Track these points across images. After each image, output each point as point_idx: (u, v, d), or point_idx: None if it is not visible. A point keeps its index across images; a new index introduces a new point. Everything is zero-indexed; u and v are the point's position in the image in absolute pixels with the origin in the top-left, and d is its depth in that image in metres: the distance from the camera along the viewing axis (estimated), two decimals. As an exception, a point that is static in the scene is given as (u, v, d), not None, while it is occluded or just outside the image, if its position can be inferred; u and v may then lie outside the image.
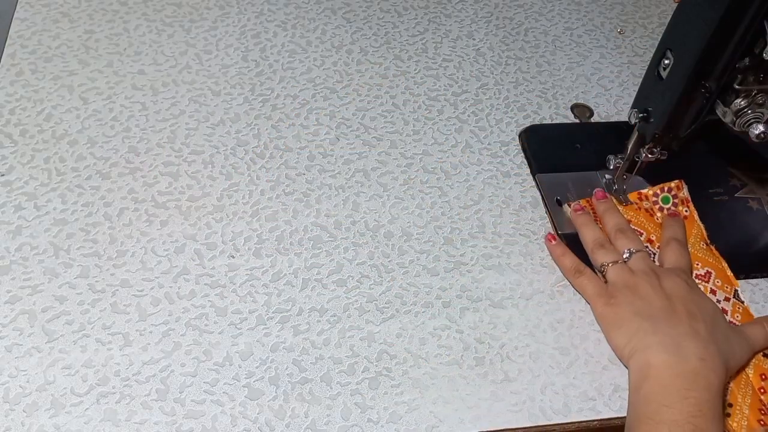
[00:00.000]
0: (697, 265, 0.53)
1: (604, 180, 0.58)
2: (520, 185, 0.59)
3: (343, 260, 0.53)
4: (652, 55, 0.48)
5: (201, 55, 0.66)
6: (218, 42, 0.68)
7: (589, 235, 0.53)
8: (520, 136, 0.62)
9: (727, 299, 0.52)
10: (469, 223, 0.56)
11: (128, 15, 0.69)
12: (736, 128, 0.46)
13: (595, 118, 0.64)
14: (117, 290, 0.50)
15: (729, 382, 0.47)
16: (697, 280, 0.52)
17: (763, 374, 0.49)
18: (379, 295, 0.51)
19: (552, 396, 0.47)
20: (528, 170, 0.60)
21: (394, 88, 0.65)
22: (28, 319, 0.48)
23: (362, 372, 0.47)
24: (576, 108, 0.65)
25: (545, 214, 0.57)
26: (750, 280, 0.54)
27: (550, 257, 0.54)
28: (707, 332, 0.45)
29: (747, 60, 0.44)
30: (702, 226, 0.55)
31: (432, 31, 0.71)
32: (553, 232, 0.55)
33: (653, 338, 0.45)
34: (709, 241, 0.55)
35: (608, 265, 0.51)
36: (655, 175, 0.57)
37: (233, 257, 0.52)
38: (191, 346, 0.48)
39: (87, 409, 0.44)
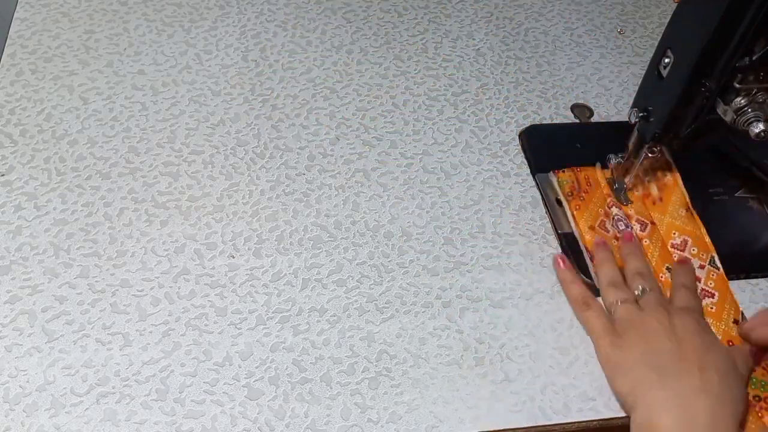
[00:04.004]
0: (674, 234, 0.53)
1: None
2: (520, 185, 0.59)
3: (343, 260, 0.53)
4: (652, 55, 0.48)
5: (201, 55, 0.66)
6: (218, 42, 0.68)
7: (605, 274, 0.51)
8: (520, 136, 0.62)
9: (701, 266, 0.52)
10: (469, 223, 0.56)
11: (128, 15, 0.69)
12: (736, 127, 0.46)
13: (595, 118, 0.64)
14: (117, 290, 0.50)
15: None
16: (672, 249, 0.51)
17: (730, 341, 0.49)
18: (379, 295, 0.51)
19: (552, 396, 0.47)
20: (528, 170, 0.60)
21: (394, 88, 0.65)
22: (28, 319, 0.48)
23: (362, 372, 0.47)
24: (576, 108, 0.65)
25: (545, 214, 0.57)
26: (750, 280, 0.54)
27: (550, 257, 0.54)
28: (720, 385, 0.42)
29: (747, 59, 0.44)
30: (685, 191, 0.55)
31: (432, 31, 0.71)
32: (563, 255, 0.53)
33: (660, 394, 0.42)
34: (690, 206, 0.54)
35: (618, 302, 0.48)
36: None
37: (233, 257, 0.52)
38: (191, 346, 0.48)
39: (87, 409, 0.44)
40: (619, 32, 0.72)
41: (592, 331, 0.49)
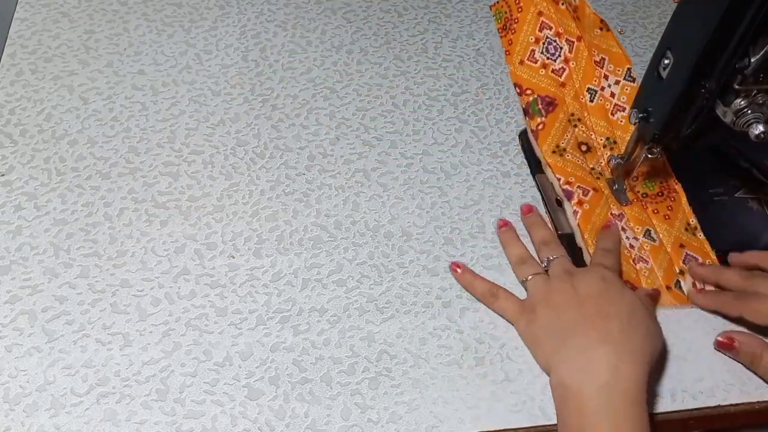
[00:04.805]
0: (594, 52, 0.56)
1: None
2: (520, 185, 0.59)
3: (343, 260, 0.53)
4: (652, 55, 0.48)
5: (201, 55, 0.66)
6: (218, 42, 0.68)
7: (512, 252, 0.53)
8: (520, 136, 0.62)
9: (617, 82, 0.56)
10: (469, 223, 0.56)
11: (128, 15, 0.69)
12: (735, 128, 0.46)
13: (595, 118, 0.64)
14: (117, 290, 0.50)
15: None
16: (595, 66, 0.56)
17: (682, 244, 0.52)
18: (379, 295, 0.51)
19: (552, 396, 0.47)
20: (528, 170, 0.60)
21: (394, 88, 0.65)
22: (28, 319, 0.48)
23: (362, 372, 0.47)
24: (576, 108, 0.65)
25: (545, 214, 0.57)
26: (750, 280, 0.54)
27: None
28: (621, 332, 0.43)
29: (747, 60, 0.44)
30: (596, 14, 0.58)
31: (432, 31, 0.71)
32: (457, 261, 0.53)
33: (563, 355, 0.44)
34: (602, 23, 0.57)
35: (528, 278, 0.50)
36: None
37: (233, 257, 0.52)
38: (191, 346, 0.48)
39: (87, 409, 0.44)
40: (619, 32, 0.72)
41: (508, 317, 0.50)
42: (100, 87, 0.63)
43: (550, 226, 0.55)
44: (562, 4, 0.58)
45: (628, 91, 0.56)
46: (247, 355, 0.47)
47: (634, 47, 0.70)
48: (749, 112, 0.45)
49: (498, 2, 0.57)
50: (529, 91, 0.59)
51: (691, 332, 0.50)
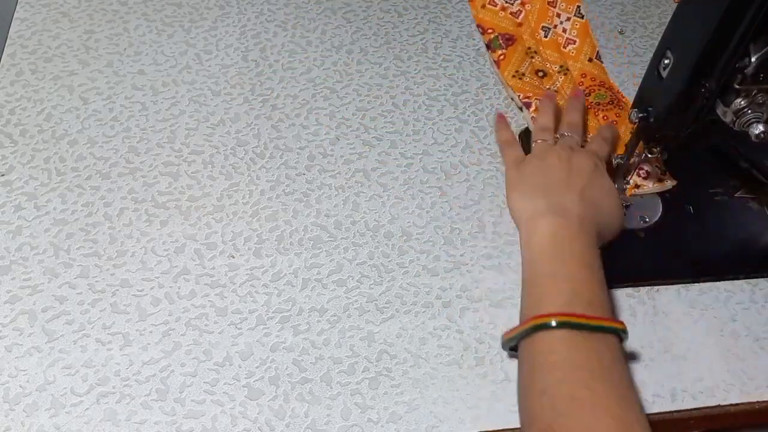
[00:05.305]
0: None
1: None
2: (520, 185, 0.58)
3: (343, 260, 0.53)
4: (652, 55, 0.48)
5: (201, 55, 0.66)
6: (218, 42, 0.68)
7: (540, 120, 0.56)
8: (520, 136, 0.62)
9: (568, 19, 0.66)
10: (469, 223, 0.56)
11: (128, 15, 0.69)
12: (735, 128, 0.46)
13: (595, 118, 0.64)
14: (117, 290, 0.50)
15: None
16: (548, 7, 0.67)
17: (584, 74, 0.64)
18: (379, 295, 0.51)
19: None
20: (528, 170, 0.60)
21: (394, 88, 0.65)
22: (28, 319, 0.48)
23: (362, 372, 0.47)
24: (576, 108, 0.65)
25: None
26: (750, 280, 0.54)
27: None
28: (591, 198, 0.49)
29: (747, 60, 0.44)
30: None
31: (432, 31, 0.71)
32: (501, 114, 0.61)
33: (544, 201, 0.48)
34: None
35: (538, 141, 0.54)
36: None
37: (233, 257, 0.52)
38: (191, 346, 0.48)
39: (87, 409, 0.44)
40: (620, 32, 0.72)
41: (505, 160, 0.55)
42: (100, 87, 0.63)
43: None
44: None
45: (577, 26, 0.66)
46: (247, 355, 0.47)
47: (634, 47, 0.70)
48: (749, 112, 0.45)
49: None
50: (490, 30, 0.68)
51: (691, 332, 0.50)
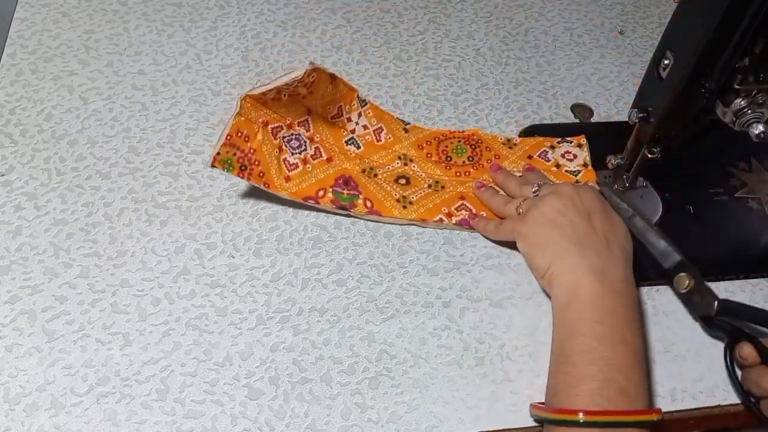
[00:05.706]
0: (330, 108, 0.57)
1: (605, 180, 0.58)
2: (520, 185, 0.58)
3: (343, 260, 0.53)
4: (652, 55, 0.48)
5: (201, 55, 0.66)
6: (218, 42, 0.68)
7: (497, 202, 0.54)
8: (520, 136, 0.62)
9: (360, 115, 0.58)
10: (469, 223, 0.56)
11: (128, 15, 0.69)
12: (735, 128, 0.46)
13: (595, 118, 0.64)
14: (117, 290, 0.50)
15: None
16: (333, 121, 0.57)
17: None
18: (379, 295, 0.51)
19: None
20: (528, 170, 0.60)
21: (394, 88, 0.65)
22: (28, 319, 0.48)
23: (362, 372, 0.47)
24: (576, 108, 0.65)
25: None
26: (750, 280, 0.54)
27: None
28: (623, 256, 0.48)
29: (747, 60, 0.44)
30: (324, 72, 0.53)
31: (432, 31, 0.71)
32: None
33: (581, 261, 0.46)
34: (334, 76, 0.55)
35: (520, 204, 0.52)
36: (654, 175, 0.57)
37: (233, 257, 0.52)
38: (191, 346, 0.48)
39: (87, 409, 0.44)
40: (619, 32, 0.72)
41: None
42: (100, 87, 0.63)
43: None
44: (285, 95, 0.54)
45: (370, 114, 0.59)
46: (247, 355, 0.47)
47: (634, 47, 0.70)
48: (749, 112, 0.45)
49: (218, 153, 0.50)
50: (321, 192, 0.55)
51: (691, 332, 0.50)
